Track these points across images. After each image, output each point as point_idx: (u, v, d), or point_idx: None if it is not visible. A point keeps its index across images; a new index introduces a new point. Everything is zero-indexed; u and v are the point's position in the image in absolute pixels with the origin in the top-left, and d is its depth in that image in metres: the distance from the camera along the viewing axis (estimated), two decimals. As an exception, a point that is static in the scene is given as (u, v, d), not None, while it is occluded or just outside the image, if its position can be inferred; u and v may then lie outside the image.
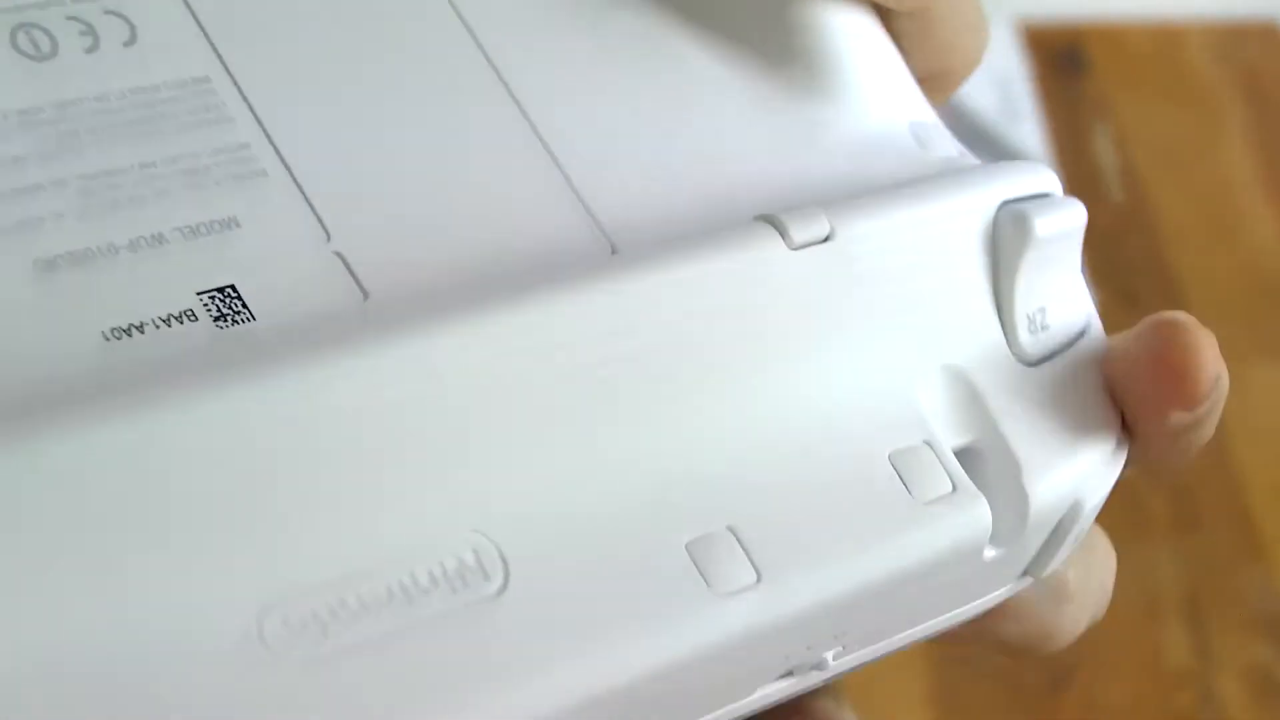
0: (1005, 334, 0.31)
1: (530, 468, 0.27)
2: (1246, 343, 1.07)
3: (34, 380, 0.26)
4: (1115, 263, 1.10)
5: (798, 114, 0.33)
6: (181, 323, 0.27)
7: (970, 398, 0.31)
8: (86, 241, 0.28)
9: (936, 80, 0.36)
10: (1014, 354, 0.31)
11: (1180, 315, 0.32)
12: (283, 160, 0.29)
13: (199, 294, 0.28)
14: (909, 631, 0.32)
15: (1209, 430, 0.33)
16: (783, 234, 0.29)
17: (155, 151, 0.29)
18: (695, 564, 0.27)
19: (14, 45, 0.29)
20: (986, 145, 1.11)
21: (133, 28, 0.29)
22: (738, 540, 0.27)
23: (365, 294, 0.27)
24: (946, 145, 0.34)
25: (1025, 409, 0.31)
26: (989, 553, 0.30)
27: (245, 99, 0.29)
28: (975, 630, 0.34)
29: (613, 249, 0.29)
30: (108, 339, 0.27)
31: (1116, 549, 0.37)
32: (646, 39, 0.32)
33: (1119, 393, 0.32)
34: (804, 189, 0.31)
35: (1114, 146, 1.17)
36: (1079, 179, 1.13)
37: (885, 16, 0.36)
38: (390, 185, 0.29)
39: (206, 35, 0.30)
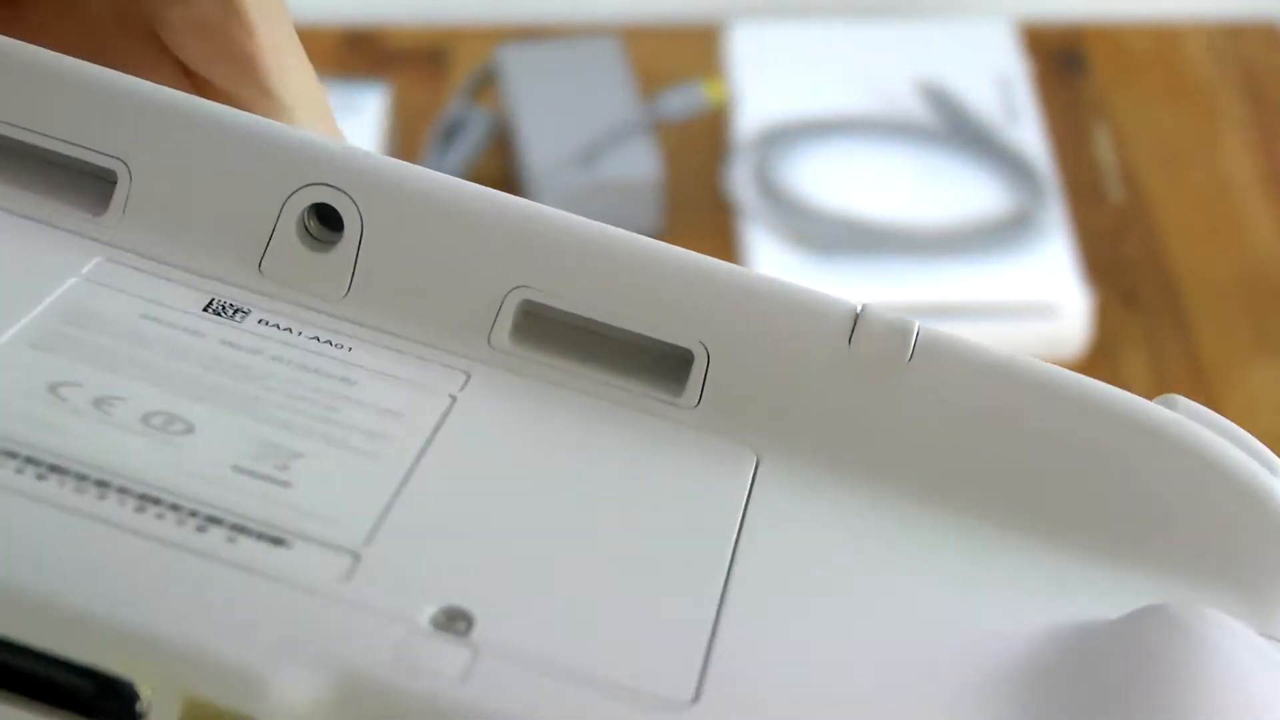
0: None
1: None
2: (1246, 343, 1.07)
3: None
4: (1115, 263, 1.10)
5: None
6: None
7: None
8: None
9: None
10: None
11: None
12: None
13: None
14: None
15: None
16: None
17: None
18: None
19: None
20: (986, 145, 1.11)
21: None
22: None
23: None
24: None
25: None
26: None
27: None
28: None
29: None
30: None
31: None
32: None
33: None
34: None
35: (1114, 146, 1.17)
36: (1079, 179, 1.13)
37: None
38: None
39: None
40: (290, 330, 0.36)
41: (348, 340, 0.36)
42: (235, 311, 0.36)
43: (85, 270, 0.36)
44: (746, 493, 0.34)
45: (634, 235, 0.37)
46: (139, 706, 0.28)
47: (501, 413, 0.35)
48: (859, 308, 0.36)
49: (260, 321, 0.36)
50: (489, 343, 0.36)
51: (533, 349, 0.36)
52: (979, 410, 0.36)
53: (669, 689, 0.29)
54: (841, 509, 0.35)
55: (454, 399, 0.35)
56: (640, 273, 0.36)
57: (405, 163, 0.37)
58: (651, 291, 0.36)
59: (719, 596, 0.32)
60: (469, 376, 0.36)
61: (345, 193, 0.36)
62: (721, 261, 0.37)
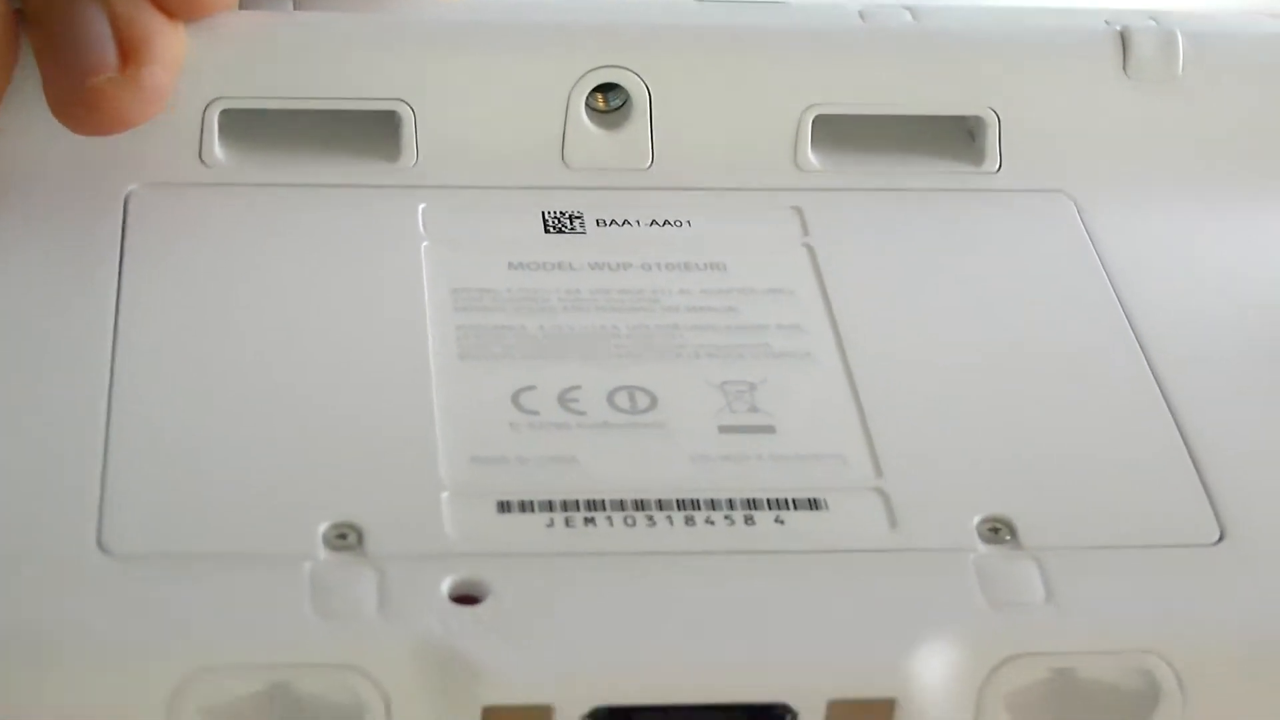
0: None
1: None
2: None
3: None
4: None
5: None
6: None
7: None
8: None
9: None
10: None
11: None
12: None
13: None
14: None
15: None
16: None
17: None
18: None
19: None
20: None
21: None
22: None
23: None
24: None
25: None
26: None
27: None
28: None
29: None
30: None
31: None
32: None
33: None
34: None
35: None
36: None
37: None
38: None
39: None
40: (629, 223, 0.36)
41: (680, 214, 0.36)
42: (571, 219, 0.36)
43: (422, 228, 0.35)
44: (1086, 234, 0.36)
45: (896, 23, 0.37)
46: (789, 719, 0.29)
47: (853, 243, 0.36)
48: (1119, 29, 0.37)
49: (598, 223, 0.36)
50: (797, 165, 0.37)
51: (835, 157, 0.37)
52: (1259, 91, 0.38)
53: (1196, 529, 0.32)
54: (1161, 220, 0.37)
55: (810, 248, 0.36)
56: (915, 57, 0.37)
57: (667, 13, 0.37)
58: (930, 72, 0.37)
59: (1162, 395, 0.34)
60: (801, 213, 0.36)
61: (626, 68, 0.36)
62: (982, 14, 0.38)
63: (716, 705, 0.28)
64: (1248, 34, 0.38)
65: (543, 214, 0.35)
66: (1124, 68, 0.37)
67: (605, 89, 0.36)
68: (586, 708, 0.28)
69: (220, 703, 0.28)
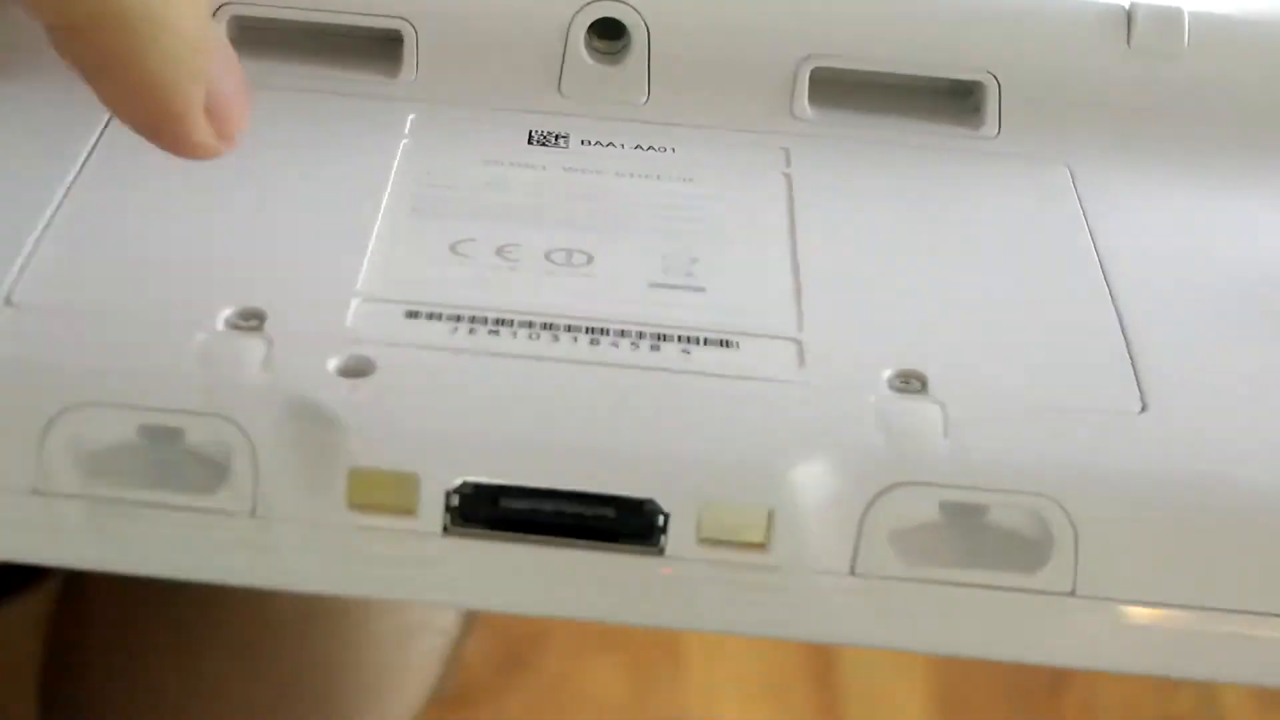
0: None
1: None
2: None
3: None
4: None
5: None
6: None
7: None
8: None
9: None
10: None
11: None
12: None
13: None
14: None
15: None
16: None
17: None
18: None
19: None
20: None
21: None
22: None
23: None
24: None
25: None
26: None
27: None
28: None
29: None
30: None
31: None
32: None
33: None
34: None
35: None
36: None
37: None
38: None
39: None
40: (613, 145, 0.37)
41: (667, 142, 0.37)
42: (556, 138, 0.37)
43: (407, 130, 0.37)
44: (1078, 201, 0.36)
45: None
46: (659, 522, 0.29)
47: (832, 177, 0.36)
48: (1127, 5, 0.38)
49: (583, 142, 0.37)
50: (792, 114, 0.37)
51: (832, 111, 0.38)
52: (1262, 75, 0.37)
53: (1118, 403, 0.31)
54: (1156, 192, 0.37)
55: (788, 177, 0.36)
56: (918, 17, 0.38)
57: None
58: (933, 33, 0.37)
59: (1112, 302, 0.33)
60: (788, 152, 0.37)
61: (626, 2, 0.37)
62: None
63: (586, 494, 0.28)
64: (1255, 12, 0.38)
65: (529, 131, 0.36)
66: (1128, 40, 0.37)
67: (608, 33, 0.37)
68: (454, 481, 0.28)
69: (93, 447, 0.28)
